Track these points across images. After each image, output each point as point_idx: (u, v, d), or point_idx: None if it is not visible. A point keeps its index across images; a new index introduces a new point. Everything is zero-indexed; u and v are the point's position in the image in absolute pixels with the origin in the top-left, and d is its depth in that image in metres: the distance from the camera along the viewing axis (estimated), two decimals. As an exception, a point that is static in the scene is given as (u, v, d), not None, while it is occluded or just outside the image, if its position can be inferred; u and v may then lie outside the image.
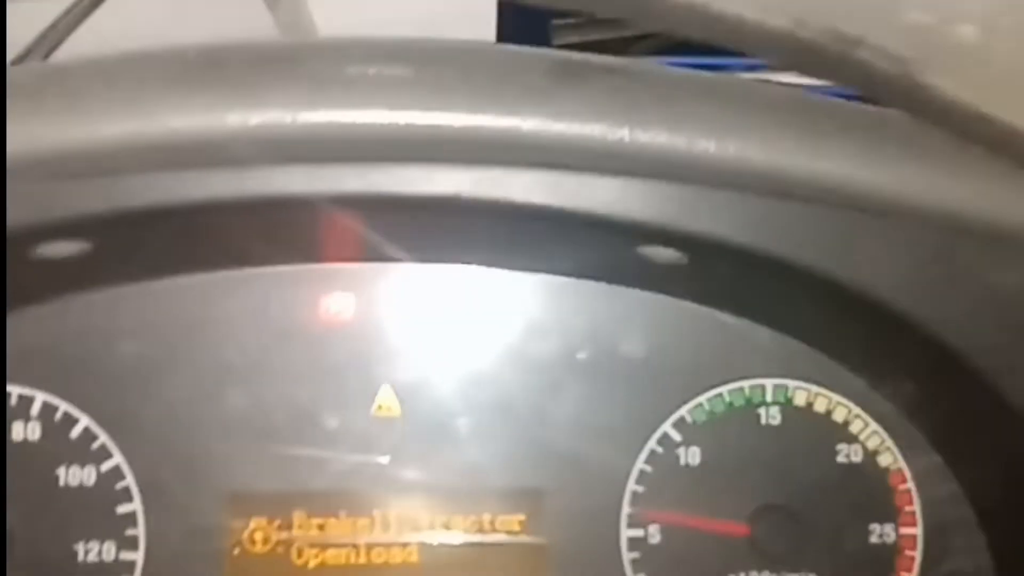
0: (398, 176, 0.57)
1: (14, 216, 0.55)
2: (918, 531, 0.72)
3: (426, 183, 0.57)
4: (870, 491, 0.72)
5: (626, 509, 0.72)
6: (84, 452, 0.70)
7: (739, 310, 0.71)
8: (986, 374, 0.59)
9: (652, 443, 0.72)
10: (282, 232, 0.65)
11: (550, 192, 0.57)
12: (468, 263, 0.72)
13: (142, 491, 0.70)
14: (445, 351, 0.72)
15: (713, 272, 0.64)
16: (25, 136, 0.55)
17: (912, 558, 0.72)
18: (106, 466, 0.70)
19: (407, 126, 0.57)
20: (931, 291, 0.59)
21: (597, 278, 0.71)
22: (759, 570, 0.72)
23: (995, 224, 0.57)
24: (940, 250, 0.58)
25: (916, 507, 0.72)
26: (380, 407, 0.72)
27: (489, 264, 0.72)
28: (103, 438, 0.70)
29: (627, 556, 0.72)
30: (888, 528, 0.72)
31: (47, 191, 0.56)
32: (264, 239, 0.65)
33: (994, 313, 0.58)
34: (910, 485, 0.72)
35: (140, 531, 0.70)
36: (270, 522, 0.71)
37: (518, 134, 0.56)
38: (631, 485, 0.72)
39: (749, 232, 0.57)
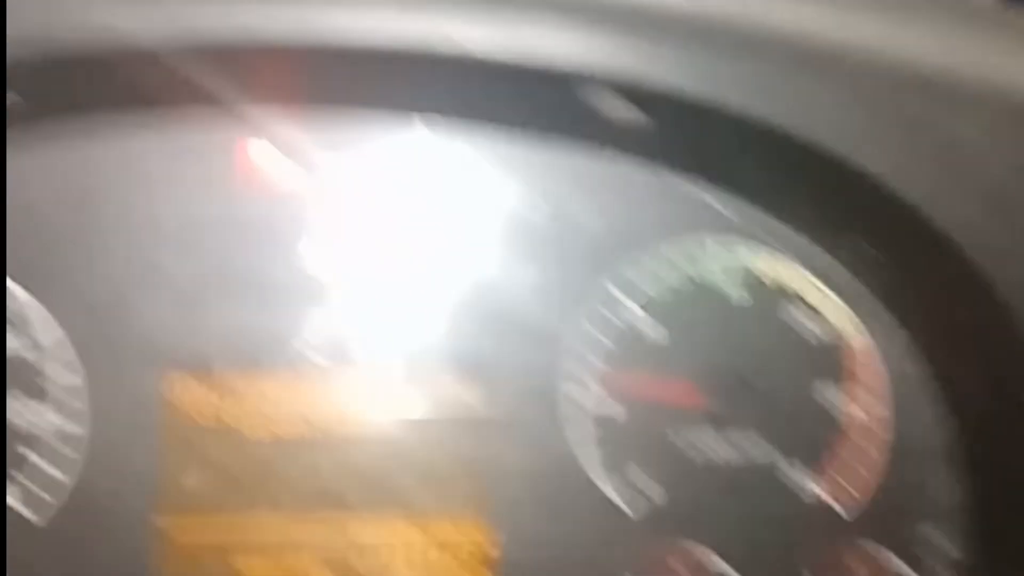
0: (345, 19, 0.54)
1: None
2: (876, 401, 0.70)
3: (377, 30, 0.55)
4: (819, 353, 0.70)
5: (567, 370, 0.70)
6: (19, 321, 0.69)
7: (688, 168, 0.69)
8: (939, 227, 0.56)
9: (595, 303, 0.70)
10: (213, 78, 0.62)
11: (509, 44, 0.54)
12: (410, 116, 0.69)
13: (82, 361, 0.69)
14: (382, 210, 0.70)
15: (666, 127, 0.61)
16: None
17: (859, 419, 0.70)
18: (42, 335, 0.69)
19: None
20: (886, 144, 0.56)
21: (541, 135, 0.69)
22: (712, 435, 0.70)
23: (955, 76, 0.54)
24: (896, 102, 0.55)
25: (875, 378, 0.70)
26: (318, 273, 0.70)
27: (432, 117, 0.69)
28: (37, 306, 0.69)
29: (578, 422, 0.70)
30: (835, 390, 0.70)
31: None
32: (193, 85, 0.63)
33: (949, 166, 0.56)
34: (859, 347, 0.70)
35: (82, 402, 0.69)
36: (209, 387, 0.70)
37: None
38: (572, 346, 0.70)
39: (705, 84, 0.55)
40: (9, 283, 0.68)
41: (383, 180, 0.70)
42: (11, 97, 0.59)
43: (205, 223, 0.69)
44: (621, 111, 0.60)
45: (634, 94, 0.58)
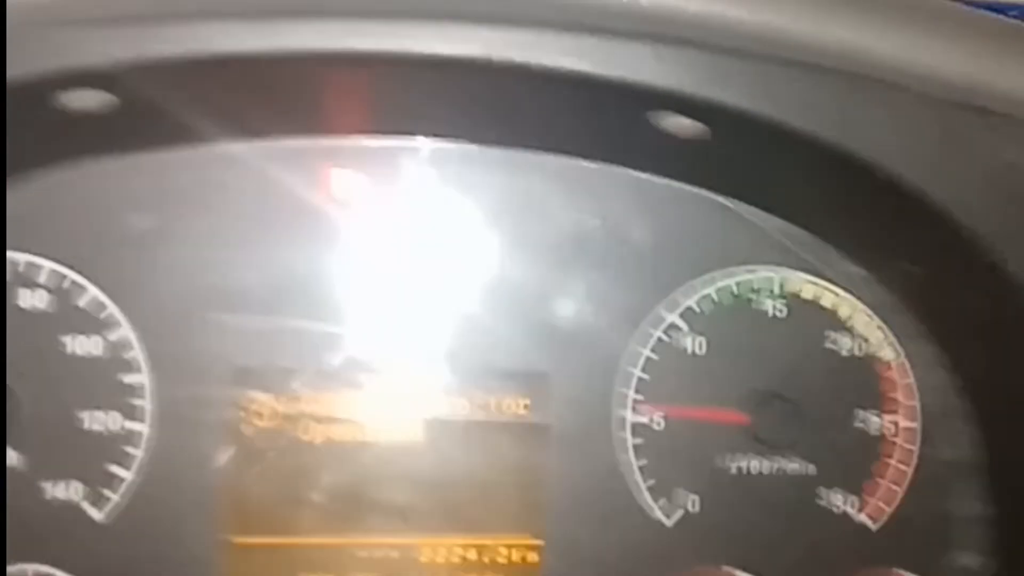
0: (425, 33, 0.57)
1: (37, 63, 0.55)
2: (912, 422, 0.74)
3: (454, 42, 0.57)
4: (867, 382, 0.74)
5: (631, 395, 0.73)
6: (92, 321, 0.70)
7: (747, 195, 0.72)
8: (991, 253, 0.59)
9: (658, 331, 0.73)
10: (298, 97, 0.65)
11: (582, 56, 0.56)
12: (478, 141, 0.72)
13: (149, 362, 0.70)
14: (452, 229, 0.73)
15: (726, 149, 0.64)
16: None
17: (905, 448, 0.74)
18: (113, 336, 0.70)
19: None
20: (941, 166, 0.59)
21: (606, 159, 0.72)
22: (757, 456, 0.73)
23: (1011, 100, 0.58)
24: (953, 124, 0.58)
25: (911, 398, 0.74)
26: (385, 285, 0.72)
27: (498, 143, 0.72)
28: (111, 308, 0.70)
29: (630, 441, 0.73)
30: (883, 418, 0.74)
31: (69, 37, 0.55)
32: (280, 105, 0.65)
33: (1004, 190, 0.59)
34: (906, 376, 0.74)
35: (147, 402, 0.70)
36: (276, 396, 0.71)
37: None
38: (637, 372, 0.73)
39: (769, 101, 0.57)
40: (82, 280, 0.69)
41: (447, 199, 0.72)
42: (105, 97, 0.60)
43: (274, 236, 0.71)
44: (689, 129, 0.63)
45: (695, 110, 0.60)
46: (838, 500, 0.74)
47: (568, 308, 0.73)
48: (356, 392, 0.72)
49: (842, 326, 0.74)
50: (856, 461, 0.74)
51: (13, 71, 0.54)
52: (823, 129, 0.58)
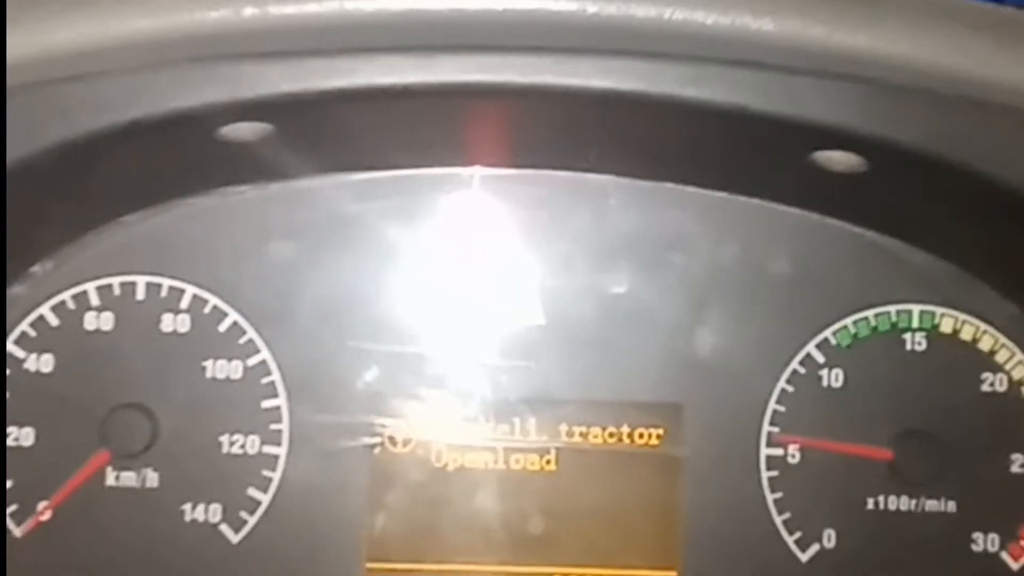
0: (572, 67, 0.56)
1: (205, 95, 0.55)
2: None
3: (625, 77, 0.56)
4: (1010, 418, 0.72)
5: (766, 427, 0.72)
6: (232, 346, 0.71)
7: (892, 231, 0.71)
8: None
9: (795, 363, 0.72)
10: (449, 129, 0.65)
11: (745, 91, 0.55)
12: (622, 174, 0.72)
13: (287, 386, 0.71)
14: (590, 262, 0.72)
15: (879, 184, 0.63)
16: (215, 15, 0.55)
17: (1034, 472, 0.72)
18: (253, 361, 0.71)
19: (593, 15, 0.56)
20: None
21: (751, 193, 0.71)
22: (898, 495, 0.72)
23: None
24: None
25: (1044, 421, 0.72)
26: (523, 315, 0.72)
27: (642, 176, 0.71)
28: (251, 333, 0.71)
29: (765, 474, 0.72)
30: (1013, 442, 0.72)
31: (242, 70, 0.55)
32: (430, 136, 0.66)
33: None
34: (1038, 398, 0.72)
35: (284, 426, 0.71)
36: (410, 423, 0.71)
37: (713, 29, 0.56)
38: (772, 404, 0.72)
39: (931, 135, 0.56)
40: (224, 305, 0.70)
41: (587, 231, 0.72)
42: (263, 128, 0.60)
43: (412, 264, 0.72)
44: (835, 162, 0.61)
45: (859, 145, 0.59)
46: (979, 539, 0.72)
47: (705, 340, 0.72)
48: (490, 419, 0.72)
49: (986, 362, 0.72)
50: (998, 499, 0.72)
51: (180, 103, 0.55)
52: (984, 164, 0.57)
